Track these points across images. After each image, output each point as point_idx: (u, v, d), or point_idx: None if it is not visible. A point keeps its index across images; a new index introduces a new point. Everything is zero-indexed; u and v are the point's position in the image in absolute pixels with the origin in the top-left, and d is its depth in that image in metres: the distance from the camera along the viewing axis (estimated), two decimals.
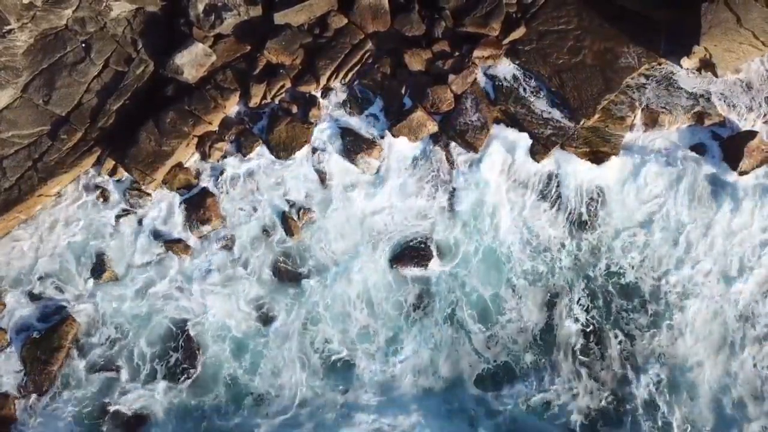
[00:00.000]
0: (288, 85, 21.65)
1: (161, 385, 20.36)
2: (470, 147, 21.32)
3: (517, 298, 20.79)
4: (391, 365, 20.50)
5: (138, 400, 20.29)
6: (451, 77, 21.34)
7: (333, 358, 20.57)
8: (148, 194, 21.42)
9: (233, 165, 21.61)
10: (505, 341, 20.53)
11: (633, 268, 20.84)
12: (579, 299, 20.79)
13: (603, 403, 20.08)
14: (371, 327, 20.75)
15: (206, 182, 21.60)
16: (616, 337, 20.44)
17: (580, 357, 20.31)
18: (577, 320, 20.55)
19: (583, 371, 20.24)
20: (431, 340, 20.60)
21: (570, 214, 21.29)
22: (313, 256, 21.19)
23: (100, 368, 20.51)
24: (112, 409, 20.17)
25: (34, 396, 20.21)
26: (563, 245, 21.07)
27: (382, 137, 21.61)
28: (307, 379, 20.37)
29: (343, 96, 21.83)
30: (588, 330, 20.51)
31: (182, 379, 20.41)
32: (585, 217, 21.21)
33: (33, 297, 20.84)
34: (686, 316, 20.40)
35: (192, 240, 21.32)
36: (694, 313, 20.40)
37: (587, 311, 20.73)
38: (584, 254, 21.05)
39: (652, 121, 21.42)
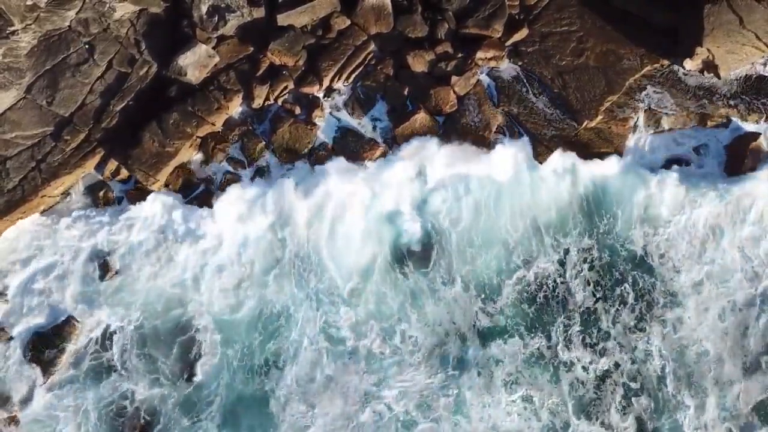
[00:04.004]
0: (291, 86, 21.67)
1: None
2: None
3: None
4: None
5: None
6: (454, 79, 21.39)
7: None
8: (151, 195, 21.37)
9: (234, 164, 21.68)
10: None
11: None
12: None
13: None
14: None
15: (208, 182, 21.57)
16: None
17: None
18: None
19: None
20: None
21: None
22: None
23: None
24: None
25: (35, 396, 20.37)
26: None
27: (385, 138, 21.66)
28: None
29: (345, 97, 21.86)
30: None
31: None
32: None
33: (36, 298, 20.84)
34: None
35: (192, 240, 21.33)
36: None
37: None
38: None
39: None
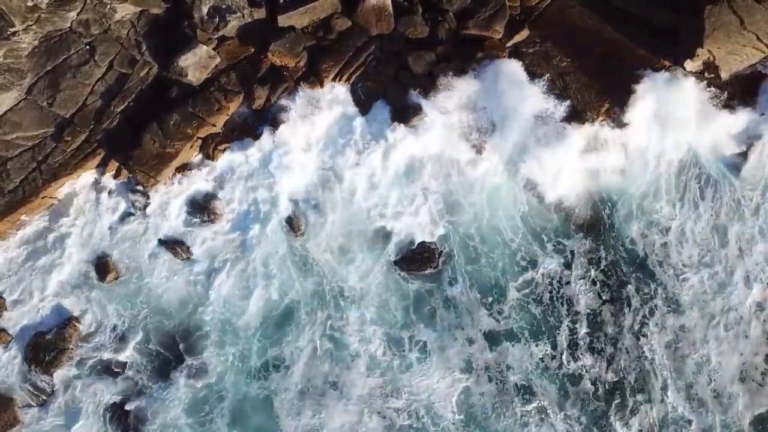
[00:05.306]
0: (291, 86, 21.67)
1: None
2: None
3: None
4: None
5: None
6: (455, 79, 21.35)
7: None
8: (152, 196, 21.37)
9: (235, 165, 21.68)
10: None
11: None
12: None
13: None
14: None
15: (209, 184, 21.61)
16: None
17: None
18: None
19: None
20: None
21: None
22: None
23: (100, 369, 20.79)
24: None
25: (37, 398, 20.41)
26: None
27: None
28: None
29: (346, 98, 21.83)
30: None
31: None
32: None
33: (37, 298, 20.82)
34: None
35: (194, 241, 21.35)
36: None
37: None
38: None
39: None
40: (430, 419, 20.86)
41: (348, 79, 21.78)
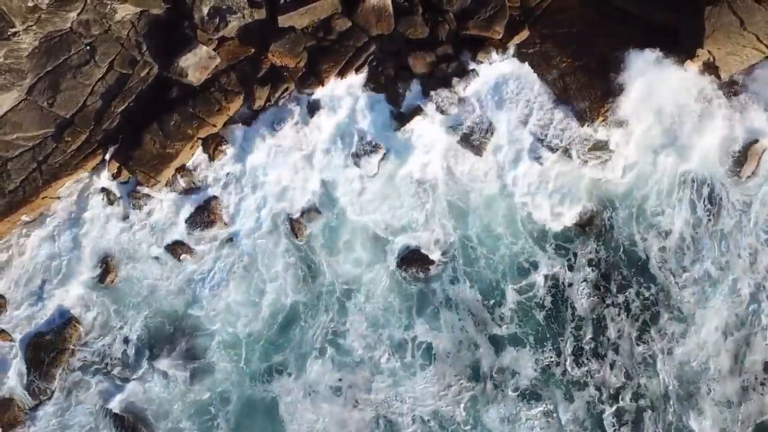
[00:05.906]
0: (292, 87, 21.69)
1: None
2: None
3: None
4: None
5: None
6: (455, 80, 21.40)
7: None
8: (152, 196, 21.40)
9: (236, 166, 21.67)
10: None
11: None
12: None
13: None
14: None
15: (210, 184, 21.61)
16: None
17: None
18: None
19: None
20: None
21: None
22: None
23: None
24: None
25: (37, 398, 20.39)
26: None
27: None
28: None
29: (347, 99, 21.81)
30: None
31: None
32: None
33: (37, 299, 20.85)
34: None
35: (195, 242, 21.38)
36: None
37: None
38: None
39: None
40: (437, 423, 20.78)
41: (357, 71, 21.74)
